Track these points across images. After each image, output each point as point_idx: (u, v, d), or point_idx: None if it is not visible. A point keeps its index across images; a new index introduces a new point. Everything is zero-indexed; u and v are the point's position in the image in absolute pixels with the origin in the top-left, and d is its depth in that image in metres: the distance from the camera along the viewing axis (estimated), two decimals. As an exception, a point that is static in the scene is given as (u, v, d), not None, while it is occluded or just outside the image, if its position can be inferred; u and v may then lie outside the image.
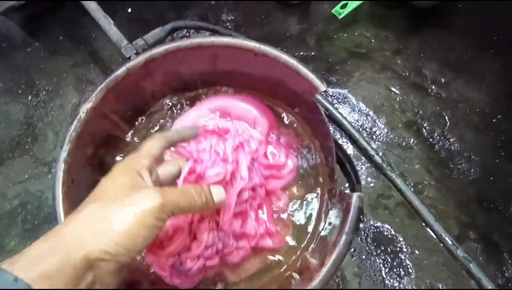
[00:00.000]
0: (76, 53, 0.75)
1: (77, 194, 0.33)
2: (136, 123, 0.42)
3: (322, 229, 0.36)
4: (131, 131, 0.42)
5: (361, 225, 0.59)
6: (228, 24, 0.76)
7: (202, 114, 0.39)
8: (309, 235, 0.36)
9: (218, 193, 0.27)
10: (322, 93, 0.35)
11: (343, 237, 0.29)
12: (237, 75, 0.42)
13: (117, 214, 0.22)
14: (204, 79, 0.42)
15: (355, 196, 0.31)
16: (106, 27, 0.58)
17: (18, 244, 0.60)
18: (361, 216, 0.31)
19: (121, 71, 0.36)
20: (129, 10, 0.78)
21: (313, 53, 0.73)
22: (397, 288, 0.55)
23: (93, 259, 0.21)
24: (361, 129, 0.66)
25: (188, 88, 0.43)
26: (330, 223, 0.36)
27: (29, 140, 0.68)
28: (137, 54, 0.55)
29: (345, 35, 0.74)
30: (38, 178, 0.64)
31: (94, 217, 0.22)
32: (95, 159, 0.36)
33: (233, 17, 0.77)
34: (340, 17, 0.65)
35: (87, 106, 0.34)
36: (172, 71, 0.39)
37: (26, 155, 0.66)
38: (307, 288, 0.27)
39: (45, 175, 0.65)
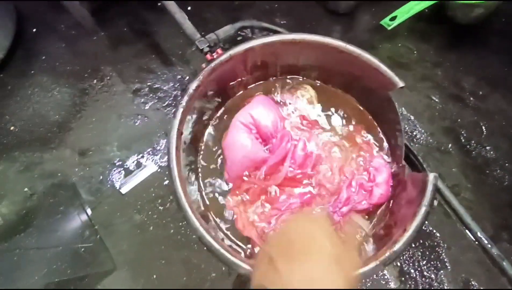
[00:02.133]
0: (138, 44, 0.81)
1: (181, 160, 0.38)
2: (224, 105, 0.47)
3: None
4: (221, 111, 0.47)
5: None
6: (280, 27, 0.82)
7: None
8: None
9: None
10: (400, 88, 0.40)
11: (423, 209, 0.34)
12: (316, 69, 0.47)
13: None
14: (285, 70, 0.48)
15: (431, 175, 0.36)
16: (181, 20, 0.64)
17: (81, 211, 0.65)
18: (435, 194, 0.36)
19: (225, 56, 0.42)
20: (189, 8, 0.84)
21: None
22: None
23: None
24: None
25: (268, 77, 0.48)
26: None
27: (94, 120, 0.73)
28: (209, 46, 0.61)
29: (389, 45, 0.80)
30: (101, 154, 0.70)
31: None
32: (192, 132, 0.41)
33: (285, 22, 0.83)
34: (389, 28, 0.70)
35: (195, 83, 0.39)
36: (261, 62, 0.45)
37: (90, 133, 0.72)
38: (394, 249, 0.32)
39: (108, 152, 0.70)
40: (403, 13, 0.71)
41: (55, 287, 0.60)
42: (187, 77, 0.76)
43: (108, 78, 0.77)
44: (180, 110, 0.37)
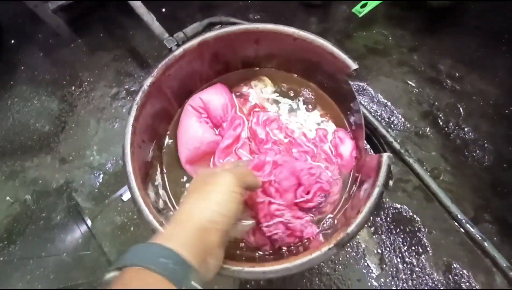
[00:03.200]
0: (115, 49, 0.82)
1: (137, 156, 0.39)
2: (185, 102, 0.47)
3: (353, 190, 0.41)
4: (180, 109, 0.47)
5: (382, 204, 0.63)
6: (253, 22, 0.82)
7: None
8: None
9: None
10: (353, 71, 0.40)
11: (376, 189, 0.34)
12: (275, 58, 0.47)
13: (209, 194, 0.29)
14: (245, 61, 0.48)
15: (385, 155, 0.36)
16: (150, 22, 0.65)
17: (63, 217, 0.65)
18: (390, 174, 0.36)
19: (178, 51, 0.42)
20: (163, 10, 0.85)
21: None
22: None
23: (206, 226, 0.28)
24: (379, 119, 0.70)
25: (230, 70, 0.48)
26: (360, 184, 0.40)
27: (73, 125, 0.74)
28: (178, 45, 0.61)
29: (364, 33, 0.79)
30: (81, 159, 0.70)
31: (197, 200, 0.29)
32: (150, 128, 0.41)
33: (259, 17, 0.83)
34: (360, 15, 0.70)
35: (149, 80, 0.40)
36: (219, 54, 0.45)
37: (71, 139, 0.72)
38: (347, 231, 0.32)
39: (88, 156, 0.71)
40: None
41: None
42: (163, 78, 0.76)
43: (86, 84, 0.78)
44: (135, 106, 0.38)
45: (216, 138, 0.45)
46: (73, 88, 0.78)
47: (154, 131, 0.43)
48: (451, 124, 0.69)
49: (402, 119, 0.70)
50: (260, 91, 0.49)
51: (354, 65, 0.39)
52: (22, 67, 0.81)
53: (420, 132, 0.69)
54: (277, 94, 0.49)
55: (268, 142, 0.45)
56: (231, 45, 0.44)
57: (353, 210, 0.37)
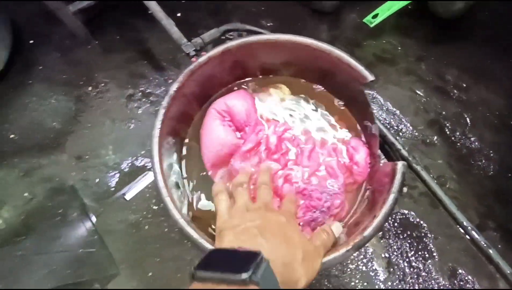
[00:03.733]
0: (130, 51, 0.84)
1: (164, 160, 0.41)
2: (204, 105, 0.49)
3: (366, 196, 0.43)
4: (199, 111, 0.49)
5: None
6: (266, 29, 0.84)
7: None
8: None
9: (336, 229, 0.38)
10: (370, 82, 0.42)
11: (391, 195, 0.36)
12: (292, 66, 0.49)
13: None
14: (263, 68, 0.50)
15: (400, 163, 0.38)
16: (168, 27, 0.67)
17: (79, 214, 0.67)
18: (404, 181, 0.38)
19: (203, 58, 0.44)
20: (179, 14, 0.87)
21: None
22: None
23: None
24: (388, 126, 0.72)
25: (248, 76, 0.51)
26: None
27: (89, 125, 0.76)
28: (196, 50, 0.63)
29: (373, 42, 0.82)
30: (97, 158, 0.72)
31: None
32: (173, 131, 0.43)
33: (271, 23, 0.85)
34: (372, 25, 0.72)
35: (176, 85, 0.42)
36: (239, 61, 0.47)
37: (86, 138, 0.74)
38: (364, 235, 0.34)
39: (103, 156, 0.72)
40: (384, 10, 0.73)
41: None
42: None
43: (102, 84, 0.80)
44: (162, 111, 0.40)
45: (238, 141, 0.47)
46: (89, 88, 0.80)
47: (177, 134, 0.45)
48: (457, 133, 0.71)
49: (410, 127, 0.72)
50: (277, 98, 0.51)
51: (370, 77, 0.41)
52: (40, 67, 0.83)
53: (427, 140, 0.71)
54: (293, 102, 0.51)
55: (276, 152, 0.47)
56: (252, 53, 0.46)
57: (363, 216, 0.39)
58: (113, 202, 0.68)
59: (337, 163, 0.46)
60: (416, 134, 0.72)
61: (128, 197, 0.68)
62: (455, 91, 0.75)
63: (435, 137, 0.71)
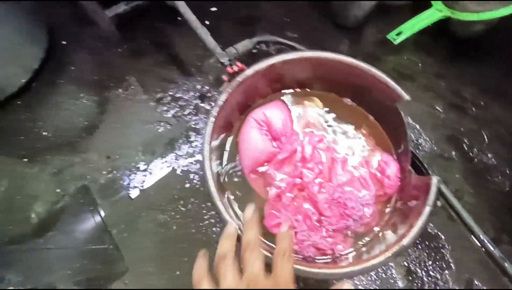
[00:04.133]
0: (159, 56, 0.87)
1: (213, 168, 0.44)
2: (243, 114, 0.52)
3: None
4: (239, 120, 0.52)
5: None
6: (291, 40, 0.87)
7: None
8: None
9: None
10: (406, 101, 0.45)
11: (427, 208, 0.39)
12: (328, 81, 0.52)
13: None
14: (300, 82, 0.53)
15: (435, 178, 0.41)
16: (203, 36, 0.70)
17: (109, 212, 0.70)
18: (438, 195, 0.41)
19: (250, 71, 0.47)
20: (207, 22, 0.90)
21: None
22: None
23: None
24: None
25: (285, 88, 0.54)
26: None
27: (119, 126, 0.79)
28: (229, 59, 0.66)
29: (394, 58, 0.85)
30: (126, 158, 0.75)
31: None
32: (218, 139, 0.46)
33: (295, 35, 0.88)
34: (396, 42, 0.75)
35: (224, 96, 0.45)
36: (280, 75, 0.50)
37: (116, 139, 0.77)
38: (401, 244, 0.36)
39: (132, 156, 0.75)
40: (408, 28, 0.76)
41: (79, 285, 0.65)
42: (207, 87, 0.81)
43: (132, 87, 0.83)
44: (212, 119, 0.42)
45: (274, 150, 0.50)
46: (119, 90, 0.83)
47: (221, 142, 0.48)
48: (474, 149, 0.74)
49: (429, 142, 0.75)
50: (311, 110, 0.54)
51: (406, 96, 0.44)
52: (72, 67, 0.86)
53: (446, 155, 0.74)
54: (326, 115, 0.54)
55: (311, 161, 0.50)
56: (293, 68, 0.49)
57: (392, 226, 0.41)
58: (141, 201, 0.71)
59: (369, 175, 0.49)
60: (435, 148, 0.75)
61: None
62: (473, 109, 0.78)
63: (453, 152, 0.74)
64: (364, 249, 0.44)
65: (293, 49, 0.74)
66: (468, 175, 0.72)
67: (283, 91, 0.53)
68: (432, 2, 0.78)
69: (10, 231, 0.70)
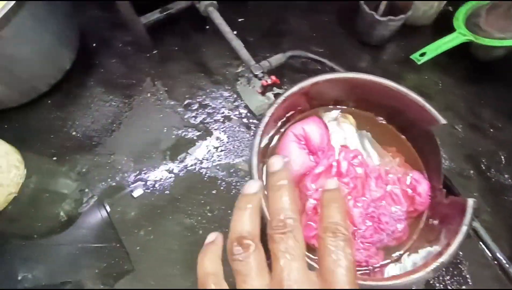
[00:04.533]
0: (188, 63, 0.89)
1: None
2: (282, 128, 0.54)
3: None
4: (278, 134, 0.55)
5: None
6: (316, 55, 0.90)
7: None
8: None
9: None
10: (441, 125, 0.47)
11: (464, 227, 0.41)
12: (364, 100, 0.55)
13: None
14: (336, 100, 0.56)
15: (471, 200, 0.43)
16: (238, 47, 0.72)
17: (137, 214, 0.71)
18: (474, 216, 0.43)
19: (295, 88, 0.49)
20: (235, 32, 0.92)
21: (388, 88, 0.86)
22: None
23: None
24: (428, 157, 0.78)
25: (322, 105, 0.56)
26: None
27: (147, 129, 0.81)
28: (263, 72, 0.69)
29: (416, 77, 0.88)
30: (153, 162, 0.77)
31: None
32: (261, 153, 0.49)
33: (321, 50, 0.91)
34: (419, 63, 0.78)
35: (271, 110, 0.47)
36: (320, 92, 0.53)
37: (144, 142, 0.79)
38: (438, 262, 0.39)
39: (160, 160, 0.77)
40: (432, 50, 0.79)
41: (106, 285, 0.66)
42: (234, 95, 0.84)
43: (161, 92, 0.85)
44: (259, 133, 0.44)
45: (311, 164, 0.52)
46: (148, 94, 0.85)
47: (262, 154, 0.50)
48: (492, 169, 0.77)
49: (448, 160, 0.78)
50: (346, 126, 0.56)
51: (443, 121, 0.47)
52: (101, 70, 0.88)
53: (464, 173, 0.77)
54: (360, 132, 0.57)
55: (347, 176, 0.52)
56: (332, 87, 0.52)
57: (426, 243, 0.44)
58: (168, 204, 0.73)
59: (401, 192, 0.52)
60: (454, 166, 0.77)
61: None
62: (491, 130, 0.81)
63: (471, 171, 0.77)
64: (397, 263, 0.46)
65: (320, 63, 0.77)
66: (486, 194, 0.75)
67: (320, 107, 0.56)
68: (455, 26, 0.81)
69: (39, 227, 0.72)
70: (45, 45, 0.73)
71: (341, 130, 0.55)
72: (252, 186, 0.28)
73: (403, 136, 0.55)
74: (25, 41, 0.67)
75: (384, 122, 0.55)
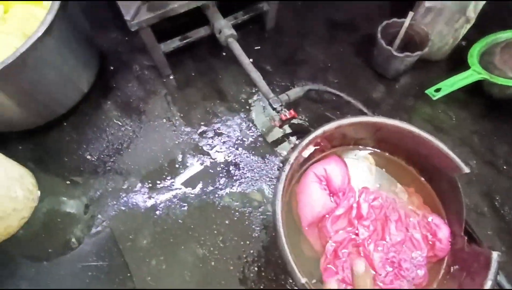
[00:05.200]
0: (205, 89, 0.90)
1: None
2: (303, 167, 0.55)
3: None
4: (299, 173, 0.55)
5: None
6: (332, 85, 0.91)
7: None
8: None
9: None
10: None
11: (489, 282, 0.40)
12: (385, 142, 0.55)
13: None
14: (357, 141, 0.56)
15: (495, 254, 0.43)
16: (257, 79, 0.73)
17: (150, 242, 0.71)
18: (498, 271, 0.42)
19: (319, 131, 0.49)
20: (251, 60, 0.94)
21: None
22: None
23: None
24: (443, 193, 0.77)
25: (343, 145, 0.56)
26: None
27: (162, 156, 0.81)
28: (281, 105, 0.69)
29: (430, 111, 0.88)
30: (169, 189, 0.77)
31: None
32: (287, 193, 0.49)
33: (337, 80, 0.92)
34: (435, 98, 0.79)
35: (295, 155, 0.47)
36: (343, 134, 0.53)
37: (159, 169, 0.79)
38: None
39: (175, 187, 0.77)
40: (447, 86, 0.79)
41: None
42: (249, 124, 0.84)
43: (176, 118, 0.85)
44: (284, 177, 0.44)
45: (332, 205, 0.52)
46: (164, 120, 0.85)
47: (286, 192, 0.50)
48: (506, 207, 0.76)
49: (463, 196, 0.77)
50: (366, 167, 0.56)
51: (466, 170, 0.47)
52: (118, 93, 0.89)
53: (478, 211, 0.76)
54: (380, 173, 0.57)
55: (367, 219, 0.52)
56: (355, 129, 0.52)
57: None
58: (181, 233, 0.72)
59: (421, 236, 0.51)
60: (468, 203, 0.77)
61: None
62: (505, 167, 0.81)
63: (485, 208, 0.76)
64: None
65: (337, 96, 0.77)
66: (501, 232, 0.74)
67: (341, 147, 0.56)
68: (470, 63, 0.82)
69: (49, 253, 0.71)
70: (66, 70, 0.74)
71: (361, 169, 0.55)
72: None
73: (422, 178, 0.55)
74: (49, 67, 0.68)
75: (403, 163, 0.55)
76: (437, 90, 0.81)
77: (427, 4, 0.81)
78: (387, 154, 0.56)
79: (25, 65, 0.61)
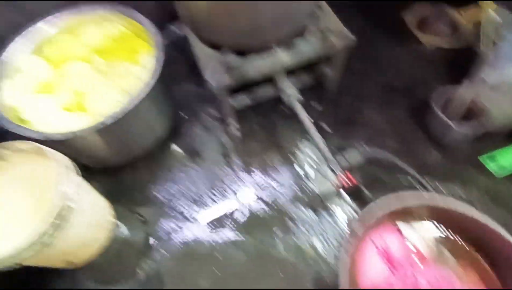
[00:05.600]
0: (265, 140, 0.97)
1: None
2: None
3: None
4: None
5: None
6: (389, 150, 0.92)
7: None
8: None
9: None
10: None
11: None
12: (444, 220, 0.57)
13: None
14: (414, 212, 0.58)
15: None
16: (318, 142, 0.78)
17: (209, 286, 0.76)
18: None
19: (386, 210, 0.53)
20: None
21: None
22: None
23: None
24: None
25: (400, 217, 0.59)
26: None
27: (223, 201, 0.87)
28: (341, 170, 0.73)
29: (486, 180, 0.87)
30: (227, 232, 0.82)
31: None
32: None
33: (394, 145, 0.94)
34: (488, 167, 0.78)
35: (361, 230, 0.51)
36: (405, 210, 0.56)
37: (217, 212, 0.86)
38: None
39: (233, 234, 0.82)
40: (502, 156, 0.79)
41: None
42: (305, 180, 0.89)
43: (237, 167, 0.93)
44: (344, 256, 0.48)
45: (391, 278, 0.54)
46: (226, 168, 0.93)
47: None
48: None
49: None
50: (424, 239, 0.58)
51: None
52: (187, 139, 0.99)
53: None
54: (437, 247, 0.58)
55: None
56: (419, 209, 0.55)
57: None
58: (239, 282, 0.76)
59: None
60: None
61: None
62: None
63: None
64: None
65: (397, 166, 0.80)
66: None
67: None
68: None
69: (116, 280, 0.78)
70: (151, 120, 0.86)
71: (418, 241, 0.57)
72: None
73: (479, 255, 0.55)
74: (140, 119, 0.79)
75: (461, 242, 0.56)
76: (492, 158, 0.81)
77: (484, 77, 0.81)
78: (449, 230, 0.58)
79: (125, 120, 0.72)
